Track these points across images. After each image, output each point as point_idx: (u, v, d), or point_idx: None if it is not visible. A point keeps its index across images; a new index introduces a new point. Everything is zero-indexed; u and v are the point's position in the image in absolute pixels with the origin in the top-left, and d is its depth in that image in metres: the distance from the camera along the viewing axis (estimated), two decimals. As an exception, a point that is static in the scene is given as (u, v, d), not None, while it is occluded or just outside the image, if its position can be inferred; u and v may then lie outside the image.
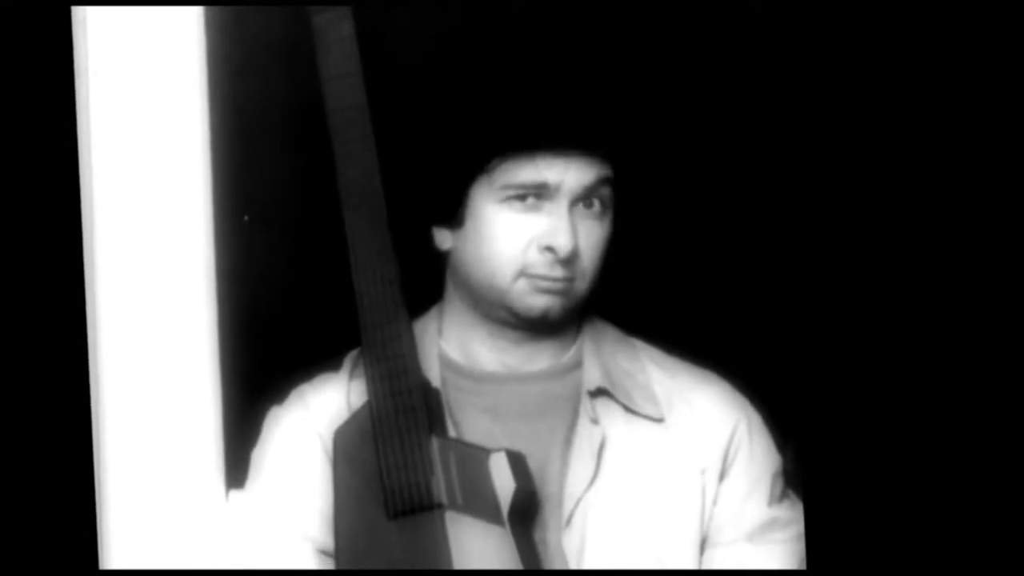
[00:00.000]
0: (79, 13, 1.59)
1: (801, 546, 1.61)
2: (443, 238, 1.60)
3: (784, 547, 1.60)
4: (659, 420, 1.61)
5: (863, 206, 1.66)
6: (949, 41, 1.67)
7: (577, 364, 1.63)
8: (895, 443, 1.68)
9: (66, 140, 1.59)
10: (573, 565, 1.58)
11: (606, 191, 1.58)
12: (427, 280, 1.63)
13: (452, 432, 1.59)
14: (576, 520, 1.57)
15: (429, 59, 1.62)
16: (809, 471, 1.63)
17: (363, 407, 1.59)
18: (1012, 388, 1.67)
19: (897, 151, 1.67)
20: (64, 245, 1.59)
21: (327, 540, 1.58)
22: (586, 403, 1.61)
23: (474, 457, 1.56)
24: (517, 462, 1.56)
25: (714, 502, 1.61)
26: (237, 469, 1.59)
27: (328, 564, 1.59)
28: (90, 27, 1.59)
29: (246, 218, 1.61)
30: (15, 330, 1.62)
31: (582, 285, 1.58)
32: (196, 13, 1.60)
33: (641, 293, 1.66)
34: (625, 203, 1.61)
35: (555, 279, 1.56)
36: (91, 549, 1.58)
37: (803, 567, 1.61)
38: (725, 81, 1.65)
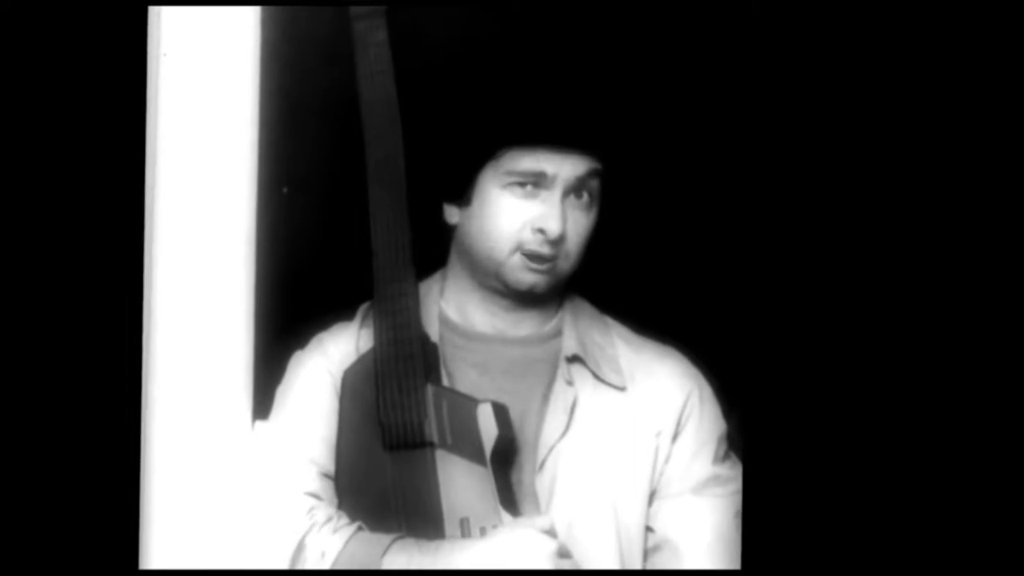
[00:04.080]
0: (154, 11, 1.68)
1: (738, 500, 1.69)
2: (452, 214, 1.69)
3: (724, 500, 1.68)
4: (621, 389, 1.70)
5: (813, 203, 1.70)
6: (944, 43, 1.68)
7: (557, 333, 1.72)
8: (825, 415, 1.71)
9: (137, 117, 1.67)
10: (544, 504, 1.66)
11: (595, 184, 1.66)
12: (435, 248, 1.71)
13: (446, 382, 1.68)
14: (548, 465, 1.67)
15: (451, 61, 1.67)
16: (749, 437, 1.70)
17: (369, 351, 1.66)
18: (945, 368, 1.71)
19: (852, 144, 1.69)
20: (129, 206, 1.67)
21: (330, 464, 1.67)
22: (563, 367, 1.70)
23: (463, 405, 1.66)
24: (500, 412, 1.66)
25: (666, 460, 1.69)
26: (263, 403, 1.67)
27: (329, 486, 1.66)
28: (163, 23, 1.68)
29: (285, 189, 1.68)
30: (89, 273, 1.67)
31: (565, 264, 1.67)
32: (253, 13, 1.67)
33: (615, 276, 1.72)
34: (610, 198, 1.68)
35: (543, 257, 1.65)
36: (134, 466, 1.66)
37: (739, 519, 1.68)
38: (702, 92, 1.70)
